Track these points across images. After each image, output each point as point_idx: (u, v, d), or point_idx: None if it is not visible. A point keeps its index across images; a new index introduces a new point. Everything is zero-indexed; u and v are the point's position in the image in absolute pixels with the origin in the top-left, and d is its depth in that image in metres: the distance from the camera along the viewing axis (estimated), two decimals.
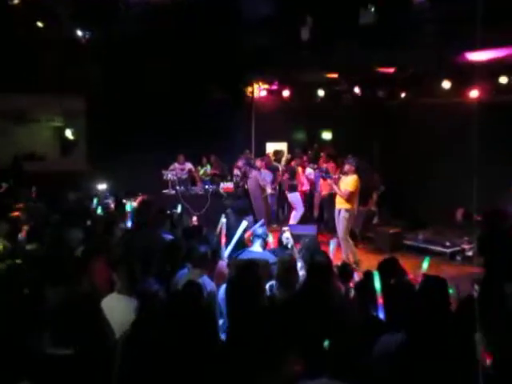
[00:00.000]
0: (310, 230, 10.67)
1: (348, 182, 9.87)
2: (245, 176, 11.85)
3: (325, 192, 12.52)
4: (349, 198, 9.83)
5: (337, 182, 10.14)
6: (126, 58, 11.60)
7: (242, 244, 7.11)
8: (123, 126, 12.84)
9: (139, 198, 10.21)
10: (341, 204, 9.96)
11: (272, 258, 6.11)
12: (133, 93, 12.80)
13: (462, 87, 11.28)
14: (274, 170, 13.32)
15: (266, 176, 12.76)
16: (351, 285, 5.60)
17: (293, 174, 12.76)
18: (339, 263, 6.38)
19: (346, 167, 10.03)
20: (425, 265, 6.11)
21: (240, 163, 12.59)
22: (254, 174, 11.71)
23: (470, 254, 10.40)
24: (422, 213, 12.35)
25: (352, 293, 5.36)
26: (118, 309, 4.50)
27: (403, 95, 13.03)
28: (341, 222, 9.95)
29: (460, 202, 11.76)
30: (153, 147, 12.68)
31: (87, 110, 13.86)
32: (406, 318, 4.00)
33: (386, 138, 13.77)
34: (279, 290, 5.10)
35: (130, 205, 8.92)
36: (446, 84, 11.54)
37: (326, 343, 3.49)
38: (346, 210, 9.88)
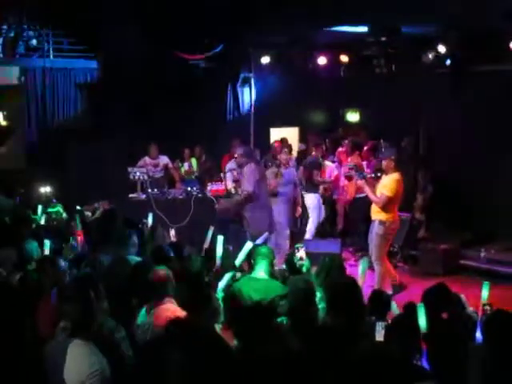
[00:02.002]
0: (333, 246, 10.71)
1: (386, 184, 9.64)
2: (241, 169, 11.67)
3: (350, 196, 12.52)
4: (385, 206, 9.58)
5: (372, 183, 9.96)
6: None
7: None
8: (75, 109, 12.89)
9: (100, 207, 10.24)
10: (375, 214, 9.75)
11: (280, 288, 6.11)
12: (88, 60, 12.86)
13: None
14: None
15: (288, 175, 12.45)
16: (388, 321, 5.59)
17: (316, 169, 12.68)
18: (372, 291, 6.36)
19: (384, 163, 9.79)
20: (484, 293, 6.00)
21: (238, 151, 12.28)
22: (245, 169, 11.58)
23: None
24: (487, 223, 12.33)
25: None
26: (70, 356, 4.56)
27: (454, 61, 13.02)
28: (374, 239, 9.74)
29: None
30: (116, 136, 12.72)
31: (26, 86, 13.89)
32: (460, 367, 4.01)
33: (436, 121, 13.75)
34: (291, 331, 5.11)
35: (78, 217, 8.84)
36: None
37: None
38: (381, 223, 9.63)
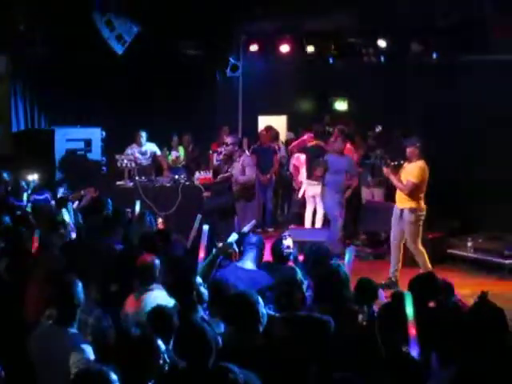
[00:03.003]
0: (320, 235, 10.72)
1: (411, 171, 9.61)
2: (230, 159, 11.62)
3: None
4: (412, 193, 9.57)
5: (393, 172, 9.84)
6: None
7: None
8: (63, 93, 12.80)
9: (86, 194, 10.17)
10: (403, 202, 9.72)
11: (266, 280, 6.08)
12: (76, 48, 12.77)
13: None
14: (271, 152, 13.34)
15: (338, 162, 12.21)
16: (375, 308, 5.58)
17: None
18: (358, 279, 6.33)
19: (409, 150, 9.71)
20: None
21: (228, 140, 12.18)
22: (243, 158, 11.57)
23: None
24: (474, 212, 12.34)
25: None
26: (55, 344, 4.57)
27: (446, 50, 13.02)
28: (407, 229, 9.73)
29: None
30: (103, 122, 12.64)
31: (12, 72, 13.79)
32: (448, 355, 4.01)
33: (425, 110, 13.75)
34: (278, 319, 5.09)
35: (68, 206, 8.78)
36: None
37: None
38: (411, 210, 9.61)
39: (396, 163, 9.92)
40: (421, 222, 9.72)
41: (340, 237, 11.29)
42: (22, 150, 12.60)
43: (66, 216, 7.98)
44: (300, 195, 12.78)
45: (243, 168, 11.16)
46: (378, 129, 13.64)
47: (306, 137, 13.18)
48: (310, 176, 12.37)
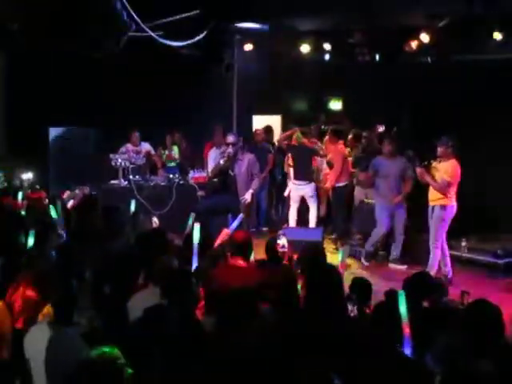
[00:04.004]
0: (314, 234, 10.74)
1: (446, 169, 9.77)
2: (234, 157, 11.49)
3: (329, 185, 12.51)
4: (446, 191, 9.76)
5: (425, 171, 9.96)
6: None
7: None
8: (57, 91, 12.78)
9: (78, 193, 10.16)
10: (435, 199, 9.91)
11: (259, 276, 6.08)
12: (70, 49, 12.74)
13: None
14: (265, 151, 13.34)
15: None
16: (367, 310, 5.59)
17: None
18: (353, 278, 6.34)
19: (441, 150, 9.84)
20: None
21: (231, 139, 12.07)
22: (247, 157, 11.48)
23: None
24: (469, 212, 12.32)
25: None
26: (52, 343, 4.58)
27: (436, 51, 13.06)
28: (434, 223, 9.94)
29: None
30: (97, 121, 12.63)
31: (7, 68, 13.78)
32: (443, 354, 4.02)
33: (417, 110, 13.78)
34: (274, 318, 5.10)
35: (59, 204, 8.77)
36: (497, 35, 11.60)
37: None
38: (442, 207, 9.82)
39: (426, 163, 10.05)
40: (449, 219, 9.92)
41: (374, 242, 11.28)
42: (16, 148, 12.60)
43: (54, 213, 8.00)
44: (286, 194, 12.75)
45: (249, 166, 11.12)
46: (381, 129, 13.61)
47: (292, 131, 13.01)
48: (297, 176, 12.39)
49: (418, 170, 10.08)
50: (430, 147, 11.00)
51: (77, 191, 10.24)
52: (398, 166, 10.98)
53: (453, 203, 9.85)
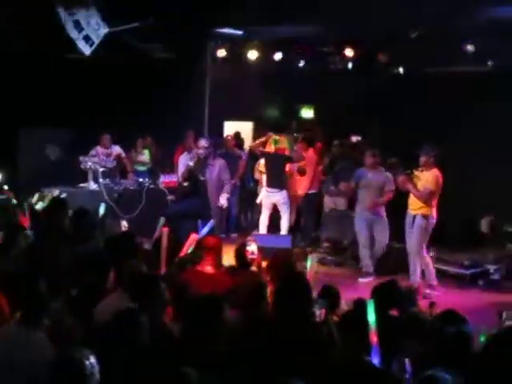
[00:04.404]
0: (284, 241, 10.75)
1: (428, 178, 9.82)
2: (205, 161, 11.42)
3: (301, 191, 12.55)
4: (428, 200, 9.79)
5: (407, 179, 9.99)
6: None
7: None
8: (29, 91, 12.69)
9: (47, 195, 10.09)
10: (416, 208, 9.93)
11: (228, 283, 6.08)
12: (42, 48, 12.66)
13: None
14: (235, 157, 13.35)
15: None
16: (335, 317, 5.59)
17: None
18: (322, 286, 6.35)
19: (423, 159, 9.88)
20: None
21: (204, 143, 11.99)
22: (218, 162, 11.45)
23: (496, 277, 10.57)
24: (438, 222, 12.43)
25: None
26: (19, 345, 4.53)
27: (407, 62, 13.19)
28: (416, 232, 9.92)
29: (484, 207, 12.26)
30: (67, 123, 12.55)
31: None
32: (410, 363, 4.03)
33: (387, 118, 13.86)
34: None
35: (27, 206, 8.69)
36: (469, 47, 11.73)
37: None
38: (424, 216, 9.83)
39: (409, 171, 10.08)
40: (430, 229, 9.93)
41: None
42: None
43: (23, 215, 7.95)
44: (258, 201, 12.74)
45: (220, 171, 11.10)
46: (356, 139, 13.64)
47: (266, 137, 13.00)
48: (269, 184, 12.32)
49: (401, 177, 10.17)
50: (401, 158, 11.16)
51: (46, 193, 10.16)
52: (379, 177, 10.95)
53: (434, 213, 9.89)
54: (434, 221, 9.93)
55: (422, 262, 9.99)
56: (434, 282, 9.99)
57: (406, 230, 10.12)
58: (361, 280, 10.72)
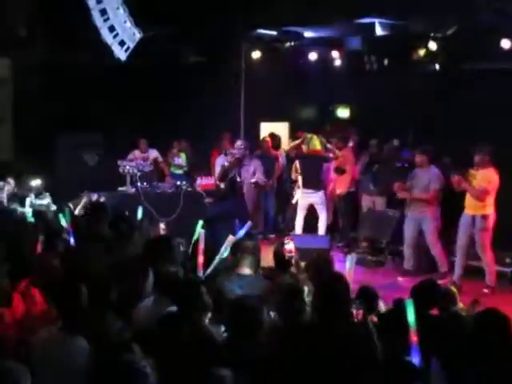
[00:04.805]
0: (321, 242, 10.72)
1: (484, 177, 9.68)
2: (240, 162, 11.43)
3: (340, 190, 12.52)
4: (484, 198, 9.65)
5: (462, 178, 9.86)
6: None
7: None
8: (65, 99, 12.81)
9: (86, 200, 10.17)
10: (474, 208, 9.80)
11: (265, 285, 6.06)
12: (79, 55, 12.79)
13: None
14: (272, 158, 13.37)
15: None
16: (374, 318, 5.56)
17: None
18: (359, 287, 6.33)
19: (477, 158, 9.75)
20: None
21: (239, 144, 12.03)
22: (254, 163, 11.45)
23: None
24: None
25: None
26: (59, 350, 4.57)
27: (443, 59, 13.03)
28: (479, 235, 9.78)
29: None
30: (105, 128, 12.65)
31: (15, 76, 13.82)
32: (451, 363, 4.01)
33: (424, 120, 13.73)
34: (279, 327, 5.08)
35: (67, 211, 8.75)
36: (506, 43, 11.58)
37: None
38: (484, 217, 9.75)
39: (463, 171, 9.98)
40: (492, 228, 9.78)
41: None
42: (24, 154, 12.62)
43: (63, 221, 7.99)
44: (294, 201, 12.73)
45: (254, 172, 11.13)
46: (396, 143, 13.53)
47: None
48: (305, 185, 12.32)
49: (456, 177, 9.97)
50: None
51: (85, 198, 10.24)
52: (425, 175, 10.78)
53: (493, 211, 9.74)
54: (495, 219, 9.76)
55: (487, 263, 9.86)
56: (492, 284, 9.83)
57: (460, 229, 9.98)
58: (400, 279, 10.65)
